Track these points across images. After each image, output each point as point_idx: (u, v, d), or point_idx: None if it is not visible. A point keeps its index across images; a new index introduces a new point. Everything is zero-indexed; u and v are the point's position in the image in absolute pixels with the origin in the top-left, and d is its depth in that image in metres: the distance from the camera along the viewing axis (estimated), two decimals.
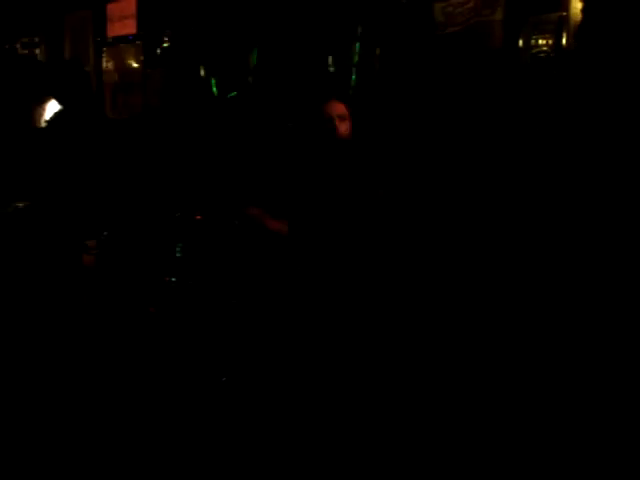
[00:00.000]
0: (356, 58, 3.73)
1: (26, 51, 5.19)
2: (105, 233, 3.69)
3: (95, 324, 3.60)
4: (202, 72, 4.29)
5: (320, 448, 2.68)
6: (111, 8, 4.76)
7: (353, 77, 3.74)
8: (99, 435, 2.83)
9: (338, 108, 3.14)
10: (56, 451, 2.72)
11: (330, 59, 3.81)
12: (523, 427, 2.62)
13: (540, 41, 3.15)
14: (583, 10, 2.67)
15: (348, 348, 2.86)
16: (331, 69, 3.82)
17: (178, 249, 3.53)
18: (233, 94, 4.17)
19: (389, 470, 2.58)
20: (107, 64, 4.84)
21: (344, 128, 3.12)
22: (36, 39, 5.14)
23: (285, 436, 2.75)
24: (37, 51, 5.15)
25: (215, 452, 2.72)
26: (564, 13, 3.03)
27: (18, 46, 5.19)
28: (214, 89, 4.23)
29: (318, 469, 2.60)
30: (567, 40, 3.04)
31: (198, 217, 3.67)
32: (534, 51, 3.16)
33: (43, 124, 3.98)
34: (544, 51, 3.13)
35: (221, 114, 4.22)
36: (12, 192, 4.05)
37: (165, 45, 4.49)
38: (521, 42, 3.20)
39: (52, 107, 3.89)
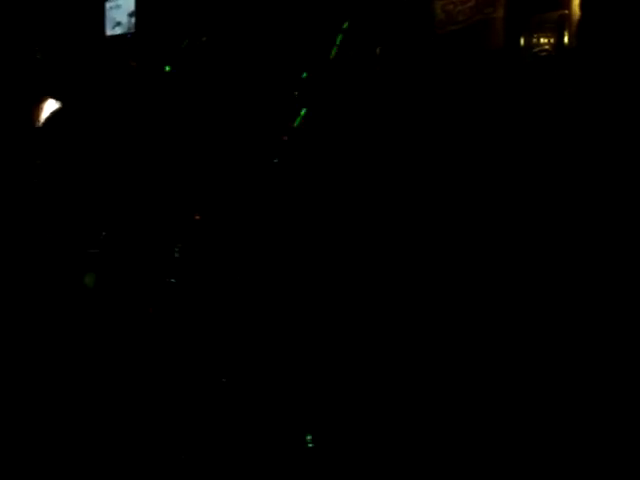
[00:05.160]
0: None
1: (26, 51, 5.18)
2: (104, 233, 3.68)
3: (94, 324, 3.60)
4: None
5: (320, 448, 2.67)
6: (111, 7, 4.77)
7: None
8: (98, 435, 2.83)
9: None
10: (55, 451, 2.72)
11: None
12: (522, 427, 2.62)
13: (542, 39, 3.14)
14: (581, 6, 2.66)
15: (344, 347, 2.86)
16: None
17: (177, 250, 3.52)
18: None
19: (389, 469, 2.57)
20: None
21: None
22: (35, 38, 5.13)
23: (285, 436, 2.75)
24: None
25: (214, 452, 2.72)
26: (566, 11, 3.02)
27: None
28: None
29: (318, 469, 2.60)
30: (569, 38, 3.04)
31: (197, 217, 3.66)
32: (536, 50, 3.16)
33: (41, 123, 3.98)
34: (546, 50, 3.12)
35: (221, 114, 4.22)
36: (12, 192, 4.05)
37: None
38: (523, 41, 3.19)
39: (51, 106, 3.89)
